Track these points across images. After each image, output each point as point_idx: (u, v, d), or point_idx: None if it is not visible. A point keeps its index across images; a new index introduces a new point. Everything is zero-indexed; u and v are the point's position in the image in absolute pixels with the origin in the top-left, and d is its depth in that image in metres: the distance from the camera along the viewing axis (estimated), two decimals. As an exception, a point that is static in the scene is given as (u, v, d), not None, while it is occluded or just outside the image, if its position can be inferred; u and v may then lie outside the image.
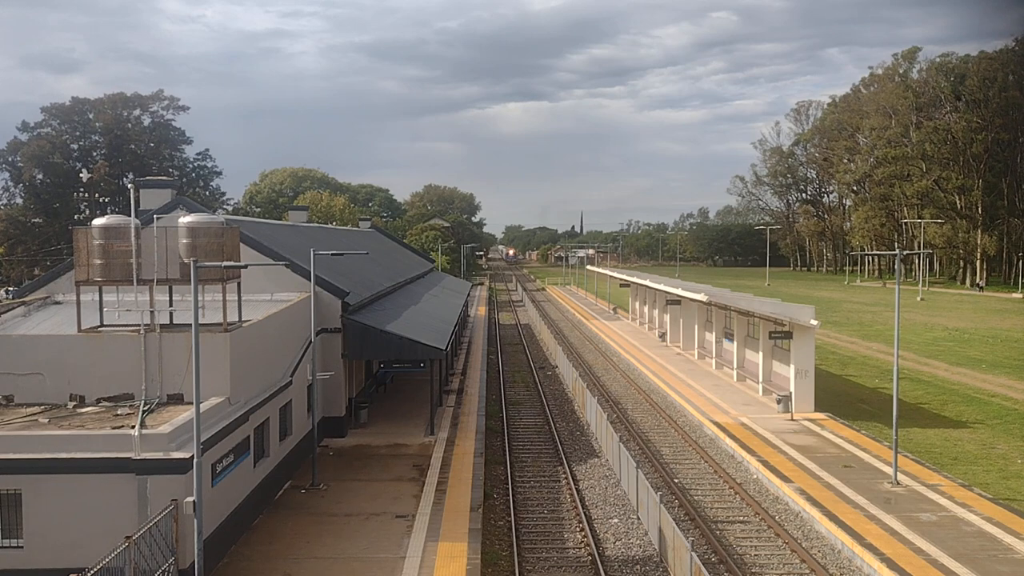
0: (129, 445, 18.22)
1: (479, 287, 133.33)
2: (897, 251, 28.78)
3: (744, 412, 36.74)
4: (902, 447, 29.71)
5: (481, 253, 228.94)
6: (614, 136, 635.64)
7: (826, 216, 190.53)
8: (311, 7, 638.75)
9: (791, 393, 36.29)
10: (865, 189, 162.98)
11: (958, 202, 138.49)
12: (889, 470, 26.76)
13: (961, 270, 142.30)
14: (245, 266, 18.91)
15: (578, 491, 27.25)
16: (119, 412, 20.56)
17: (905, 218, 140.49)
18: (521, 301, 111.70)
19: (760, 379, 41.47)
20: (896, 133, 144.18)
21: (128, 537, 15.74)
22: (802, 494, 25.22)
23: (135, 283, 23.05)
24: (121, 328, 23.41)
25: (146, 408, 20.42)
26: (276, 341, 26.95)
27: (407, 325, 36.00)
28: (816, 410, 36.41)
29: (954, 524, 22.52)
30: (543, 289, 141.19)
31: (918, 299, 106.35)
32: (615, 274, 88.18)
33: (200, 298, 19.23)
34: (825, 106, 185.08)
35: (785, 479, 26.78)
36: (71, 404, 21.44)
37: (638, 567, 21.17)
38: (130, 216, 23.55)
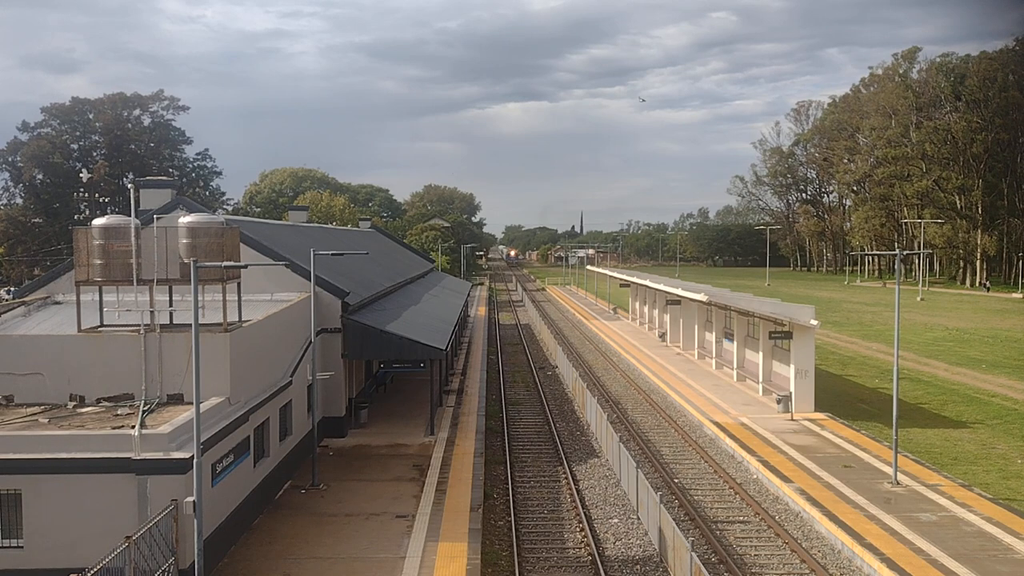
0: (129, 445, 18.22)
1: (479, 287, 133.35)
2: (897, 251, 28.79)
3: (744, 412, 36.74)
4: (902, 447, 29.71)
5: (481, 253, 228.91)
6: (614, 136, 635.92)
7: (826, 216, 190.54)
8: (311, 7, 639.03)
9: (791, 393, 36.29)
10: (865, 189, 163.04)
11: (958, 202, 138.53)
12: (889, 470, 26.76)
13: (961, 270, 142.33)
14: (245, 266, 18.91)
15: (578, 491, 27.25)
16: (119, 412, 20.55)
17: (905, 218, 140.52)
18: (521, 301, 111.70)
19: (760, 379, 41.47)
20: (896, 133, 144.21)
21: (128, 537, 15.74)
22: (802, 494, 25.22)
23: (135, 283, 23.04)
24: (121, 328, 23.40)
25: (146, 408, 20.42)
26: (276, 341, 26.95)
27: (407, 325, 36.00)
28: (816, 410, 36.41)
29: (954, 524, 22.51)
30: (543, 289, 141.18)
31: (918, 299, 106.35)
32: (615, 274, 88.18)
33: (200, 298, 19.23)
34: (825, 106, 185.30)
35: (785, 479, 26.78)
36: (71, 404, 21.43)
37: (638, 567, 21.17)
38: (130, 216, 23.54)
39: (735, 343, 46.08)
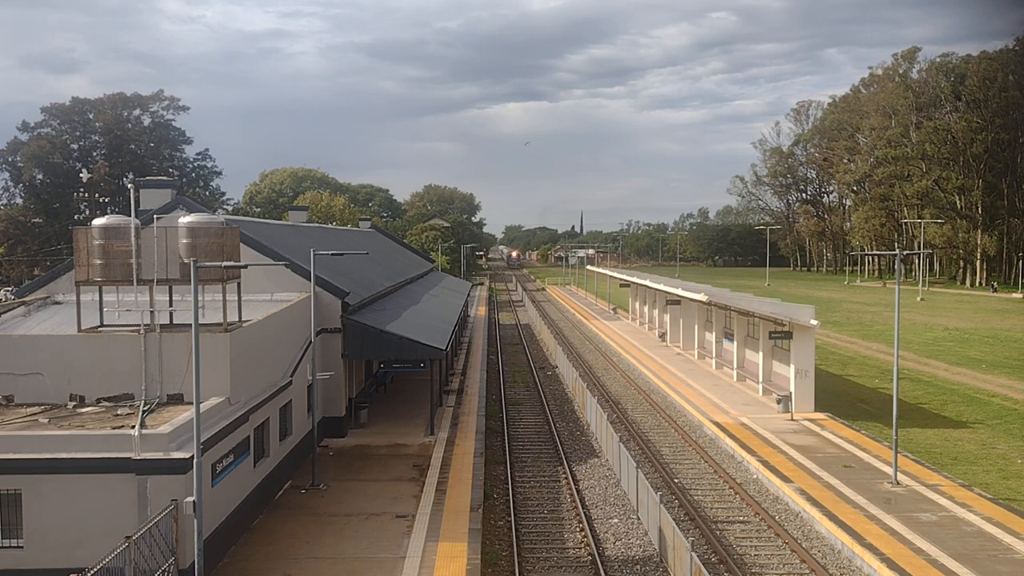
0: (129, 445, 18.22)
1: (479, 287, 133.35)
2: (897, 251, 28.78)
3: (744, 412, 36.73)
4: (902, 447, 29.71)
5: (481, 253, 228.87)
6: (614, 136, 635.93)
7: (826, 216, 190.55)
8: (311, 7, 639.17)
9: (791, 393, 36.28)
10: (865, 189, 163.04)
11: (958, 202, 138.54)
12: (889, 470, 26.76)
13: (961, 270, 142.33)
14: (245, 266, 18.91)
15: (578, 491, 27.25)
16: (119, 412, 20.55)
17: (905, 218, 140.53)
18: (521, 301, 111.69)
19: (760, 379, 41.47)
20: (896, 133, 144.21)
21: (128, 537, 15.74)
22: (802, 494, 25.22)
23: (135, 283, 23.04)
24: (121, 328, 23.40)
25: (146, 408, 20.42)
26: (276, 341, 26.94)
27: (407, 325, 35.99)
28: (816, 410, 36.41)
29: (954, 524, 22.51)
30: (543, 289, 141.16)
31: (918, 299, 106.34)
32: (615, 274, 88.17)
33: (200, 298, 19.23)
34: (825, 106, 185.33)
35: (785, 479, 26.78)
36: (71, 404, 21.43)
37: (638, 567, 21.17)
38: (130, 216, 23.54)
39: (735, 343, 46.07)
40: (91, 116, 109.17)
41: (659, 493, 22.27)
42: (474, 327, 74.79)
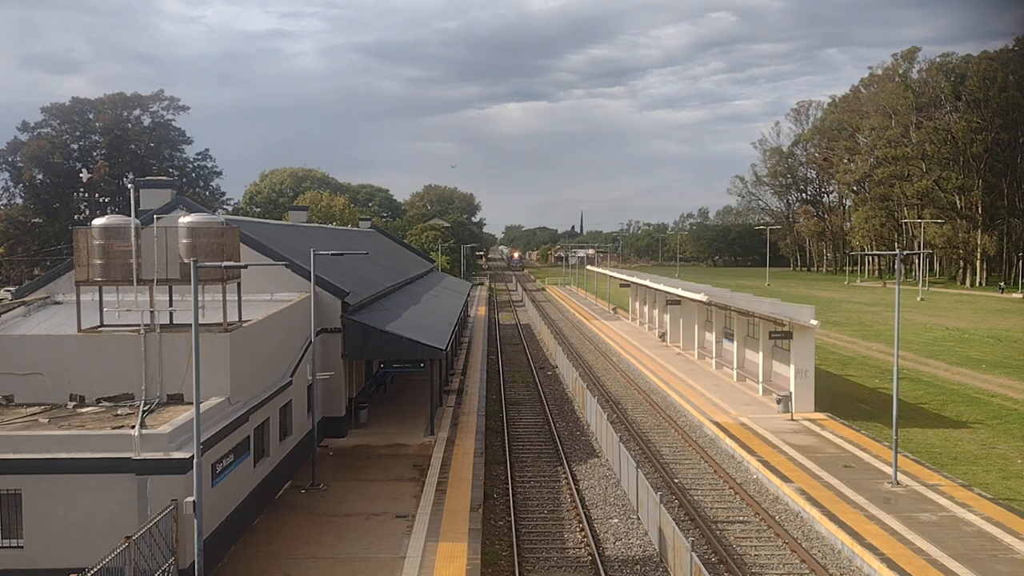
0: (129, 445, 18.22)
1: (479, 287, 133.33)
2: (897, 251, 28.78)
3: (744, 412, 36.73)
4: (902, 447, 29.70)
5: (481, 253, 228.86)
6: (614, 136, 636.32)
7: (826, 216, 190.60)
8: (311, 8, 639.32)
9: (791, 393, 36.28)
10: (865, 189, 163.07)
11: (958, 202, 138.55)
12: (889, 470, 26.76)
13: (961, 270, 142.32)
14: (245, 266, 18.91)
15: (578, 491, 27.25)
16: (119, 412, 20.55)
17: (905, 218, 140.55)
18: (521, 301, 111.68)
19: (760, 379, 41.47)
20: (896, 133, 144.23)
21: (128, 537, 15.74)
22: (802, 494, 25.22)
23: (135, 283, 23.03)
24: (121, 328, 23.39)
25: (146, 408, 20.42)
26: (276, 341, 26.94)
27: (407, 325, 35.99)
28: (816, 410, 36.40)
29: (954, 524, 22.51)
30: (543, 289, 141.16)
31: (918, 299, 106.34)
32: (615, 274, 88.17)
33: (200, 298, 19.22)
34: (825, 106, 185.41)
35: (785, 479, 26.77)
36: (71, 404, 21.43)
37: (638, 567, 21.16)
38: (130, 216, 23.53)
39: (735, 343, 46.07)
40: (91, 116, 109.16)
41: (659, 493, 22.27)
42: (474, 327, 74.79)
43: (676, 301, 57.05)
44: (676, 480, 28.53)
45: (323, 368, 30.76)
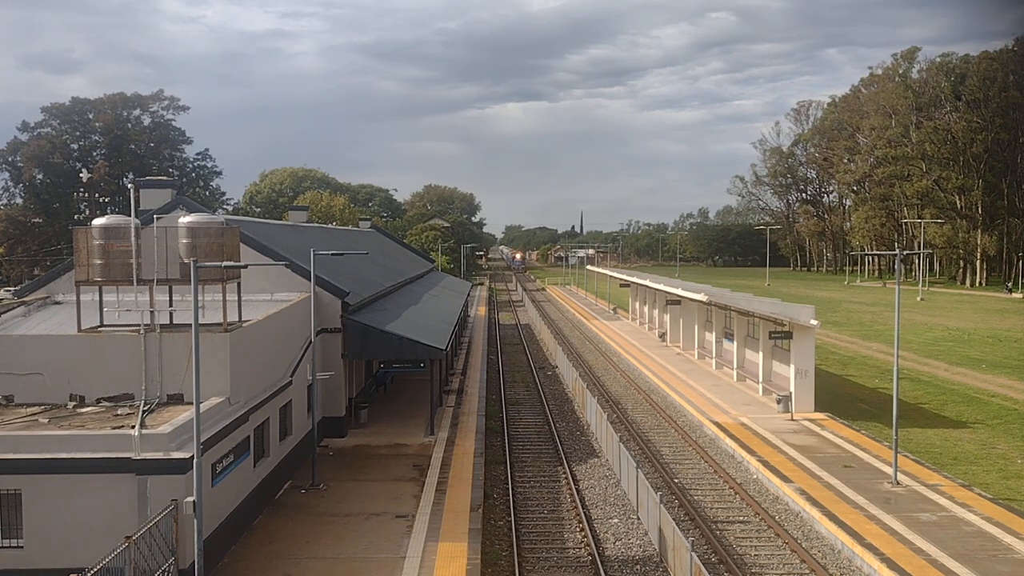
0: (129, 445, 18.22)
1: (479, 287, 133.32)
2: (897, 251, 28.77)
3: (744, 412, 36.73)
4: (902, 447, 29.70)
5: (481, 253, 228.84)
6: (614, 136, 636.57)
7: (826, 216, 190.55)
8: (311, 8, 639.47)
9: (791, 393, 36.28)
10: (865, 189, 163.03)
11: (958, 202, 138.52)
12: (889, 470, 26.76)
13: (961, 270, 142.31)
14: (245, 266, 18.90)
15: (578, 491, 27.24)
16: (119, 412, 20.55)
17: (905, 218, 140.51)
18: (521, 301, 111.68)
19: (760, 379, 41.47)
20: (896, 133, 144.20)
21: (128, 537, 15.74)
22: (802, 494, 25.22)
23: (135, 283, 23.03)
24: (121, 328, 23.40)
25: (146, 408, 20.42)
26: (276, 341, 26.94)
27: (407, 325, 35.99)
28: (816, 410, 36.40)
29: (954, 524, 22.51)
30: (543, 289, 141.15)
31: (918, 299, 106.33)
32: (615, 274, 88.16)
33: (200, 298, 19.23)
34: (825, 106, 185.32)
35: (785, 479, 26.77)
36: (71, 404, 21.43)
37: (638, 567, 21.16)
38: (130, 216, 23.53)
39: (735, 343, 46.07)
40: (91, 116, 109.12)
41: (659, 493, 22.27)
42: (474, 327, 74.78)
43: (676, 301, 57.05)
44: (676, 480, 28.53)
45: (323, 368, 30.76)
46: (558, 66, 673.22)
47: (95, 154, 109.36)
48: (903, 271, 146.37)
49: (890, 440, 27.68)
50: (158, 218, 26.00)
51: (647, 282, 68.11)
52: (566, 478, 28.69)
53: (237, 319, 25.04)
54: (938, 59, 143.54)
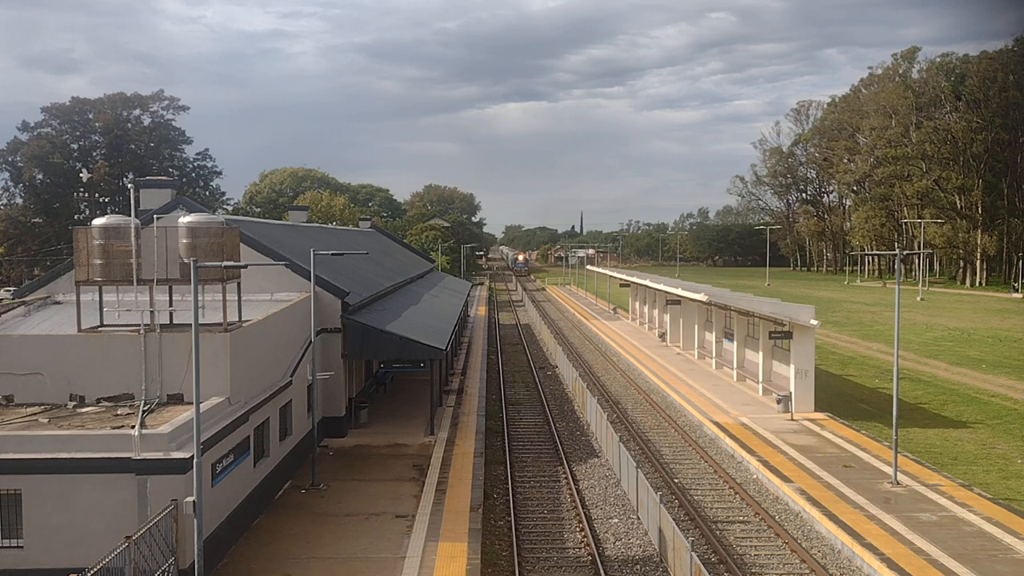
0: (129, 445, 18.22)
1: (479, 287, 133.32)
2: (897, 251, 28.79)
3: (744, 412, 36.73)
4: (902, 447, 29.71)
5: (481, 253, 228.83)
6: (614, 136, 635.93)
7: (826, 216, 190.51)
8: (311, 8, 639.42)
9: (791, 393, 36.28)
10: (865, 189, 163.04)
11: (958, 202, 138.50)
12: (889, 470, 26.76)
13: (961, 270, 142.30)
14: (245, 266, 18.92)
15: (578, 491, 27.25)
16: (119, 412, 20.55)
17: (905, 218, 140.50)
18: (521, 301, 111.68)
19: (760, 379, 41.47)
20: (896, 133, 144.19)
21: (128, 537, 15.74)
22: (802, 494, 25.22)
23: (135, 283, 23.04)
24: (121, 328, 23.40)
25: (146, 408, 20.43)
26: (276, 341, 26.94)
27: (407, 325, 35.99)
28: (816, 410, 36.41)
29: (954, 524, 22.51)
30: (543, 289, 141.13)
31: (918, 299, 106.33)
32: (615, 274, 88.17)
33: (200, 298, 19.23)
34: (825, 106, 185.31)
35: (785, 479, 26.78)
36: (71, 404, 21.43)
37: (638, 567, 21.17)
38: (130, 216, 23.54)
39: (735, 343, 46.07)
40: (91, 116, 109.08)
41: (659, 493, 22.27)
42: (474, 327, 74.79)
43: (676, 301, 57.05)
44: (676, 480, 28.53)
45: (323, 368, 30.76)
46: (558, 66, 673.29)
47: (95, 154, 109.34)
48: (903, 271, 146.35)
49: (890, 440, 27.68)
50: (158, 218, 26.02)
51: (647, 282, 68.11)
52: (566, 478, 28.69)
53: (237, 319, 25.04)
54: (938, 59, 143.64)
